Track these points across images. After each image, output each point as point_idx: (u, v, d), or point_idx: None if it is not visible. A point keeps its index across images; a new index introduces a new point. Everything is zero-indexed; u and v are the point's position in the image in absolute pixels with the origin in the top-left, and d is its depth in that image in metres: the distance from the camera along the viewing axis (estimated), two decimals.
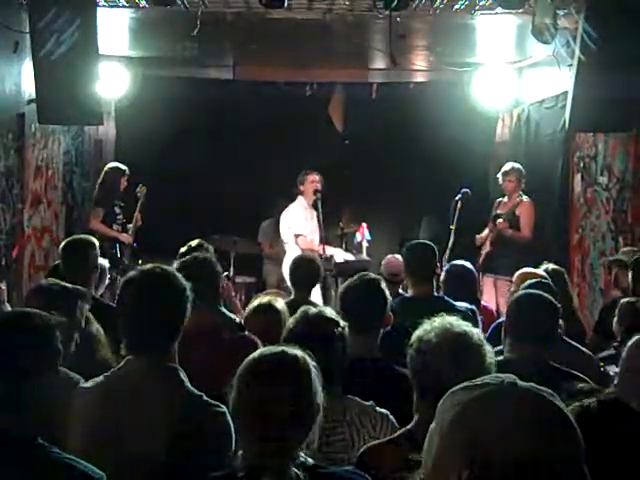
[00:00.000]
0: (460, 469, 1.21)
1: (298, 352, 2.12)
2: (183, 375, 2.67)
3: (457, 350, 2.37)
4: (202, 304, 3.05)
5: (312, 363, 2.12)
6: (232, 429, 2.62)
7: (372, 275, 3.75)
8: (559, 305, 3.62)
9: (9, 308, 4.90)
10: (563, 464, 1.21)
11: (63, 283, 3.60)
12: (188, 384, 2.67)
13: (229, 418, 2.63)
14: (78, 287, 3.72)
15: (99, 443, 2.50)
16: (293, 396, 2.04)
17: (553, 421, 1.25)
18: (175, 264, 3.89)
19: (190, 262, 3.85)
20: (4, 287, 4.88)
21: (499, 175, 7.87)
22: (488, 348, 2.46)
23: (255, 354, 2.15)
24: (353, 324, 3.15)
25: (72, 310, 3.50)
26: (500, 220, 7.61)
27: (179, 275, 2.79)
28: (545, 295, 3.62)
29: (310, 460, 2.08)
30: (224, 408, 2.64)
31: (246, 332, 3.89)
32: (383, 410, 2.85)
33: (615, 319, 4.50)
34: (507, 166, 7.86)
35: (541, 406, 1.26)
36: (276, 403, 2.02)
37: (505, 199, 7.92)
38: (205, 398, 2.65)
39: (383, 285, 3.63)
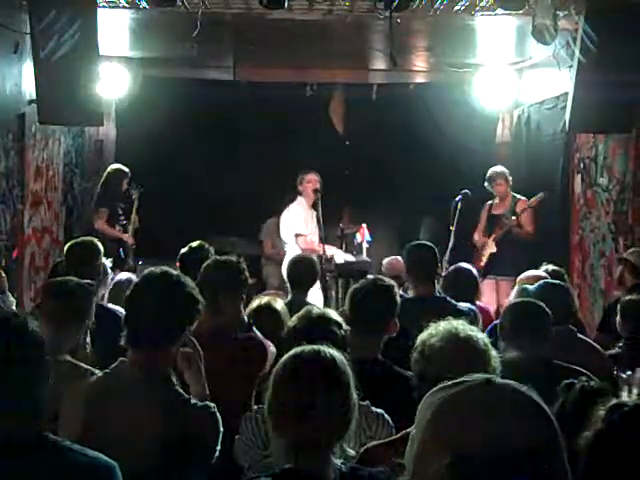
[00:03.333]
0: (439, 466, 1.20)
1: (335, 352, 2.09)
2: (173, 377, 2.70)
3: (461, 355, 2.35)
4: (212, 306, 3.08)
5: (347, 363, 2.09)
6: (220, 427, 2.66)
7: (387, 280, 3.66)
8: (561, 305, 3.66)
9: (11, 298, 4.92)
10: (542, 457, 1.21)
11: (77, 280, 3.61)
12: (177, 387, 2.70)
13: (218, 417, 2.65)
14: (89, 282, 3.74)
15: (87, 443, 2.51)
16: (332, 398, 2.00)
17: (530, 415, 1.25)
18: (204, 264, 3.93)
19: (214, 265, 3.89)
20: (4, 275, 4.89)
21: (486, 183, 7.90)
22: (493, 353, 2.45)
23: (292, 353, 2.10)
24: (359, 324, 3.15)
25: (87, 307, 3.52)
26: (512, 217, 7.62)
27: (189, 281, 2.85)
28: (527, 300, 3.69)
29: (345, 464, 2.03)
30: (213, 408, 2.66)
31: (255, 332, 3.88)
32: (379, 410, 2.86)
33: (618, 318, 4.49)
34: (491, 172, 7.91)
35: (518, 401, 1.26)
36: (314, 405, 1.97)
37: (497, 201, 7.96)
38: (193, 400, 2.68)
39: (396, 291, 3.58)
